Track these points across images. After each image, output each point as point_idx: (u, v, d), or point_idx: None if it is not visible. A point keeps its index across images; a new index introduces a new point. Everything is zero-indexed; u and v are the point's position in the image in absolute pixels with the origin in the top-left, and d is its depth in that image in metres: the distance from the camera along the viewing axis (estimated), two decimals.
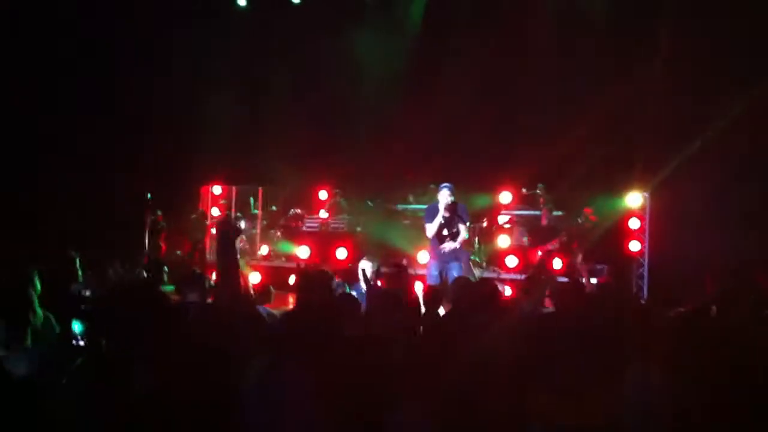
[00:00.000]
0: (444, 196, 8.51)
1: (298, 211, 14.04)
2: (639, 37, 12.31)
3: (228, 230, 10.39)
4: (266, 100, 14.42)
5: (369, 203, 13.43)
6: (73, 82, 12.69)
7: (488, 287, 5.25)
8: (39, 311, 5.88)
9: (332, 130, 14.24)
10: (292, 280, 12.17)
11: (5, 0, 12.36)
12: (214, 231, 13.23)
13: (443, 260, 8.56)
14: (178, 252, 13.35)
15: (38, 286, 6.61)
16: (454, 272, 8.32)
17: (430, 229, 8.59)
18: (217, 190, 14.15)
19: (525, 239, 11.34)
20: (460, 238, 8.53)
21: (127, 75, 13.00)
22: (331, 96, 14.28)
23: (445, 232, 8.58)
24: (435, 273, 8.62)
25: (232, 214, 13.39)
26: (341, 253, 12.40)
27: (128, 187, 12.63)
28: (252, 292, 7.13)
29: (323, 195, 14.02)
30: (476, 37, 13.70)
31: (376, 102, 14.00)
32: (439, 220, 8.51)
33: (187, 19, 13.79)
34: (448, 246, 8.50)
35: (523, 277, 10.60)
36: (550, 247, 10.87)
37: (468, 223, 8.83)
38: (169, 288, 7.74)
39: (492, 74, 13.60)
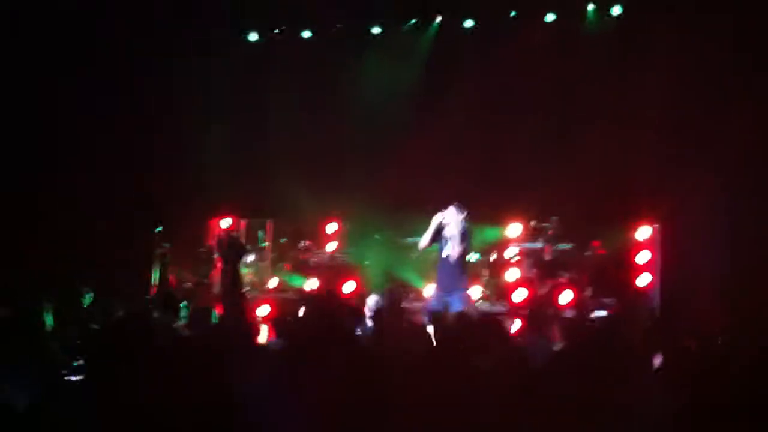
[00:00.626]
0: (449, 214, 8.52)
1: (307, 243, 14.05)
2: (643, 66, 12.35)
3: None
4: (275, 134, 14.48)
5: (377, 237, 13.42)
6: (85, 112, 12.81)
7: (493, 325, 5.15)
8: (47, 344, 5.89)
9: (340, 163, 14.27)
10: (301, 312, 12.16)
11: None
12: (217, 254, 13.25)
13: (445, 292, 8.54)
14: (187, 285, 13.35)
15: (50, 321, 6.64)
16: (456, 306, 8.26)
17: (421, 241, 8.68)
18: (225, 223, 14.16)
19: (533, 272, 11.27)
20: (448, 251, 8.46)
21: (138, 106, 13.12)
22: (340, 130, 14.33)
23: (444, 255, 8.57)
24: (435, 304, 8.62)
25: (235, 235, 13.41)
26: (349, 287, 12.39)
27: (137, 220, 12.70)
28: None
29: (332, 228, 14.01)
30: (483, 69, 13.80)
31: (384, 135, 14.06)
32: (430, 233, 8.54)
33: (197, 52, 13.95)
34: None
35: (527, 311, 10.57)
36: (559, 281, 10.78)
37: (462, 234, 8.64)
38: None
39: (498, 106, 13.66)
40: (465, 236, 8.60)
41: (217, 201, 13.69)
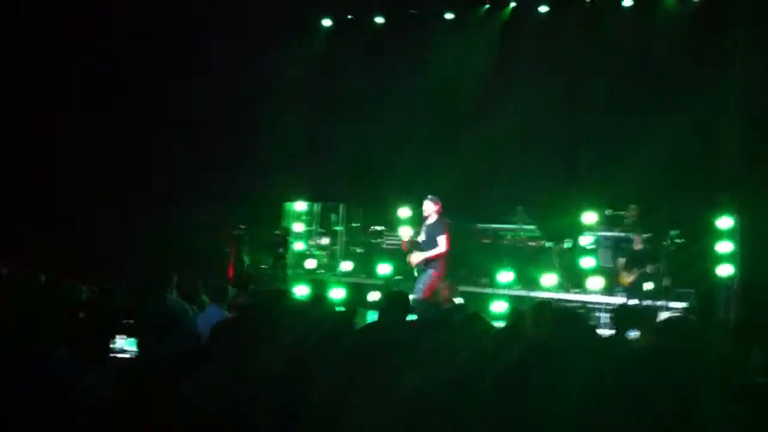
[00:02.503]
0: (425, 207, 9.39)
1: (379, 228, 14.14)
2: (722, 53, 12.02)
3: None
4: (348, 118, 14.60)
5: (448, 222, 13.41)
6: (171, 102, 13.18)
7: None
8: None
9: (413, 148, 14.30)
10: (372, 296, 12.29)
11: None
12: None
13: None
14: (263, 266, 13.61)
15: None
16: (418, 285, 9.10)
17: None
18: (300, 206, 14.36)
19: (621, 261, 11.07)
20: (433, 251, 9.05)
21: (217, 94, 13.40)
22: (411, 115, 14.36)
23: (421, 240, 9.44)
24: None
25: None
26: None
27: (215, 203, 13.01)
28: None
29: (404, 212, 14.05)
30: (557, 55, 13.63)
31: (456, 120, 14.04)
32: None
33: (272, 38, 14.14)
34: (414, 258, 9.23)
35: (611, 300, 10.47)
36: (645, 271, 10.57)
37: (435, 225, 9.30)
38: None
39: (573, 92, 13.48)
40: (437, 227, 9.27)
41: (292, 184, 13.92)
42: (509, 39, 14.39)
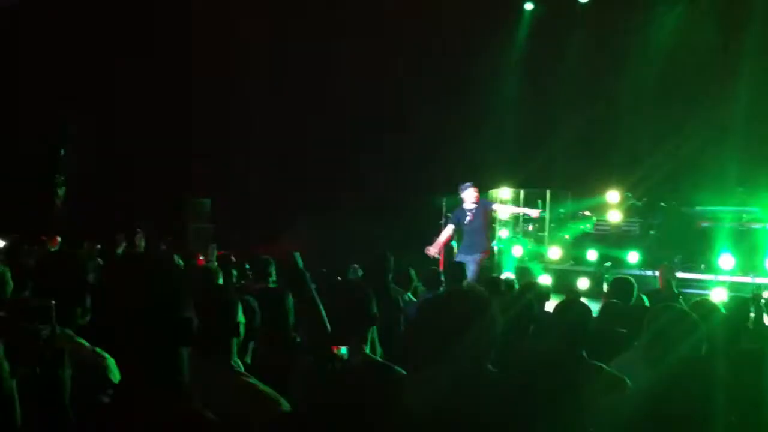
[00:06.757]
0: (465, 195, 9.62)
1: (587, 213, 13.84)
2: None
3: None
4: (557, 103, 14.39)
5: (662, 205, 12.89)
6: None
7: None
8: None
9: (622, 130, 13.87)
10: (582, 284, 12.08)
11: None
12: None
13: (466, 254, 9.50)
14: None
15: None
16: (469, 267, 8.98)
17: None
18: (504, 193, 14.36)
19: None
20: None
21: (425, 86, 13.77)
22: (622, 96, 13.91)
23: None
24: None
25: None
26: (633, 257, 12.06)
27: (418, 190, 13.37)
28: None
29: (613, 197, 13.66)
30: None
31: (670, 100, 13.44)
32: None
33: (476, 29, 14.23)
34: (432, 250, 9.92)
35: None
36: None
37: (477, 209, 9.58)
38: None
39: None
40: (479, 211, 9.63)
41: (498, 171, 13.98)
42: (733, 11, 13.50)
